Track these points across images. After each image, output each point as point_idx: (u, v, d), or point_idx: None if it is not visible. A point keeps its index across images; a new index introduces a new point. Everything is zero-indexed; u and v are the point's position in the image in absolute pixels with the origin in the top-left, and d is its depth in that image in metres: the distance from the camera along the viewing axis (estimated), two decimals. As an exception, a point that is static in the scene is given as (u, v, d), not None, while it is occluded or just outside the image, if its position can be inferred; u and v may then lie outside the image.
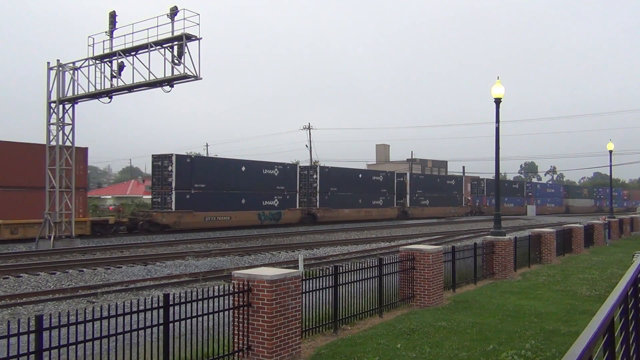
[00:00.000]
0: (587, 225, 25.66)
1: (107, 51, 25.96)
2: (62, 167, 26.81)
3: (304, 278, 8.52)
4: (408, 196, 54.34)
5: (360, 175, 49.63)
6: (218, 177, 35.68)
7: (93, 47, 26.45)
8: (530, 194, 74.82)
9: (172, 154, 33.41)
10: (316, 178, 43.83)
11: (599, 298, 12.11)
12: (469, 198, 66.21)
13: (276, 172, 40.28)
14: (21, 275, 17.01)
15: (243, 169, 37.76)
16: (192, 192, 33.98)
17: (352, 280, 9.84)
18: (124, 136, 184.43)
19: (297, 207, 42.04)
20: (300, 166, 45.48)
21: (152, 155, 34.27)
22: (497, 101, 17.91)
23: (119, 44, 25.58)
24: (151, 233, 31.90)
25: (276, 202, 40.18)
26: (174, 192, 32.81)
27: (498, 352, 8.00)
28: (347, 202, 46.50)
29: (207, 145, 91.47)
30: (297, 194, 42.33)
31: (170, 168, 32.81)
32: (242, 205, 37.22)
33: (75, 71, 27.06)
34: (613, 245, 26.77)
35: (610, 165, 39.30)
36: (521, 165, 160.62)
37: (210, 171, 35.60)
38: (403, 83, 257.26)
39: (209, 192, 34.91)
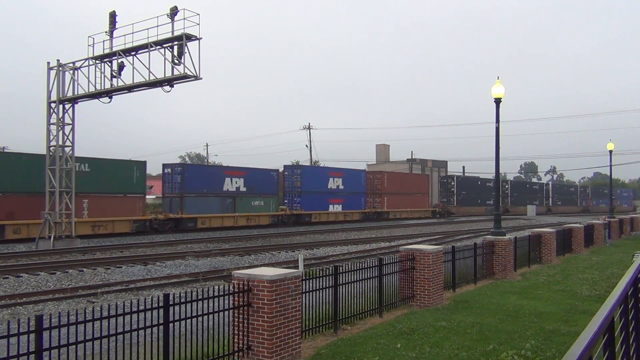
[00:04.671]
0: (587, 225, 25.65)
1: (107, 51, 25.95)
2: (62, 167, 26.84)
3: (304, 278, 8.52)
4: (551, 199, 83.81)
5: (527, 186, 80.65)
6: (469, 186, 67.01)
7: (93, 47, 26.47)
8: (613, 197, 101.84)
9: (453, 175, 68.66)
10: (508, 188, 74.31)
11: (599, 298, 12.11)
12: (578, 199, 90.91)
13: (492, 184, 68.34)
14: (21, 275, 17.01)
15: (479, 183, 69.77)
16: (461, 196, 64.60)
17: (352, 280, 9.83)
18: (124, 136, 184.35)
19: (501, 205, 67.33)
20: (502, 180, 73.21)
21: (440, 176, 70.65)
22: (497, 101, 17.89)
23: (119, 44, 25.60)
24: (442, 217, 58.75)
25: (491, 201, 67.49)
26: (454, 196, 64.02)
27: (498, 352, 8.00)
28: (521, 202, 75.23)
29: (207, 145, 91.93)
30: (500, 197, 71.38)
31: (452, 183, 64.39)
32: (478, 203, 67.79)
33: (75, 71, 27.06)
34: (613, 245, 26.76)
35: (610, 165, 39.32)
36: (521, 165, 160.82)
37: (466, 183, 67.35)
38: (403, 83, 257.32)
39: (467, 195, 65.59)
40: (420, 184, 59.08)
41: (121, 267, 18.82)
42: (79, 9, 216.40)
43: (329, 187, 46.91)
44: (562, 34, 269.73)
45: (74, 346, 5.64)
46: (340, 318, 9.49)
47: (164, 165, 38.11)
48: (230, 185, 39.08)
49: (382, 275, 10.55)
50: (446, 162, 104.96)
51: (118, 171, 33.06)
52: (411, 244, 25.02)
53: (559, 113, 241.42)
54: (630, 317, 3.95)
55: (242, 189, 39.61)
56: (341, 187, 48.23)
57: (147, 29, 24.43)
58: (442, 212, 60.83)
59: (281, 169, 47.03)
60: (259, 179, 41.05)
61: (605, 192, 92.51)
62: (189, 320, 6.71)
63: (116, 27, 25.93)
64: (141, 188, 34.61)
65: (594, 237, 26.08)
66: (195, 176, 37.18)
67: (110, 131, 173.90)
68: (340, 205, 47.62)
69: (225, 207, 38.37)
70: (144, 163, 35.50)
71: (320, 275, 9.17)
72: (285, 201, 44.22)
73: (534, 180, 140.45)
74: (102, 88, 26.22)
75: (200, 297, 6.90)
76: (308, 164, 67.13)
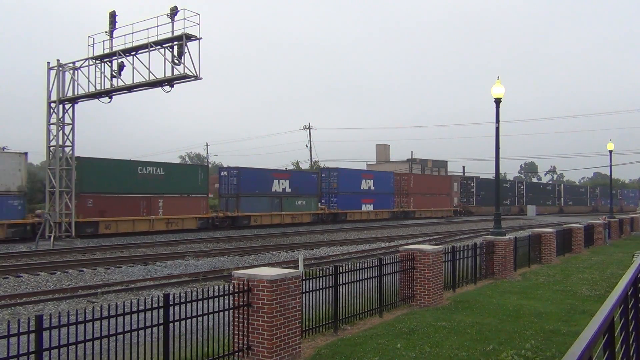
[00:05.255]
0: (587, 225, 25.64)
1: (107, 51, 25.96)
2: (61, 167, 26.84)
3: (304, 278, 8.52)
4: (563, 199, 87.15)
5: (541, 187, 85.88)
6: (488, 187, 68.84)
7: (93, 47, 26.48)
8: (620, 197, 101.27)
9: (473, 177, 70.56)
10: (523, 189, 77.92)
11: (599, 298, 12.11)
12: (587, 199, 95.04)
13: (508, 185, 76.01)
14: (21, 275, 17.01)
15: (505, 185, 73.33)
16: (480, 196, 68.70)
17: (352, 280, 9.83)
18: (124, 135, 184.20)
19: (517, 204, 76.06)
20: (518, 181, 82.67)
21: (461, 176, 72.41)
22: (497, 101, 17.88)
23: (119, 44, 25.62)
24: (462, 216, 62.07)
25: (508, 202, 72.83)
26: (474, 196, 68.43)
27: (498, 352, 8.00)
28: (536, 202, 77.44)
29: (207, 145, 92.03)
30: (517, 197, 76.28)
31: (472, 184, 68.77)
32: (492, 203, 64.68)
33: (75, 71, 27.08)
34: (613, 245, 26.75)
35: (610, 165, 39.29)
36: (521, 165, 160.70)
37: (484, 184, 69.92)
38: (403, 83, 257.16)
39: (485, 196, 68.87)
40: (443, 185, 63.74)
41: (121, 267, 18.82)
42: (79, 9, 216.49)
43: (361, 188, 50.50)
44: (562, 34, 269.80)
45: (74, 346, 5.64)
46: (340, 318, 9.49)
47: (220, 169, 43.69)
48: (278, 186, 42.53)
49: (382, 275, 10.55)
50: (446, 162, 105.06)
51: (186, 174, 36.90)
52: (411, 244, 25.02)
53: (559, 113, 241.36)
54: (630, 317, 3.95)
55: (288, 190, 43.19)
56: (372, 188, 51.79)
57: (147, 29, 24.47)
58: (462, 212, 64.85)
59: (285, 169, 48.11)
60: (301, 180, 45.20)
61: (614, 193, 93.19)
62: (189, 320, 6.71)
63: (116, 27, 25.94)
64: (204, 189, 37.87)
65: (594, 237, 26.07)
66: (249, 178, 40.36)
67: (110, 131, 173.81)
68: (372, 205, 51.19)
69: (273, 206, 41.97)
70: (206, 167, 41.28)
71: (320, 275, 9.17)
72: (323, 201, 47.72)
73: (534, 180, 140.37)
74: (102, 88, 26.23)
75: (200, 297, 6.90)
76: (308, 164, 67.41)
